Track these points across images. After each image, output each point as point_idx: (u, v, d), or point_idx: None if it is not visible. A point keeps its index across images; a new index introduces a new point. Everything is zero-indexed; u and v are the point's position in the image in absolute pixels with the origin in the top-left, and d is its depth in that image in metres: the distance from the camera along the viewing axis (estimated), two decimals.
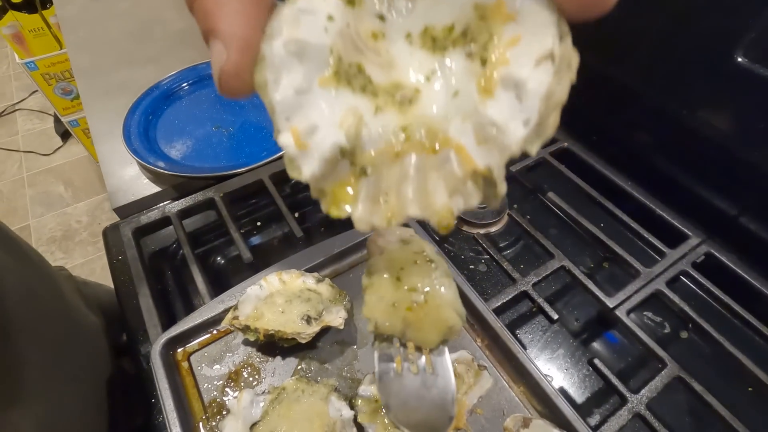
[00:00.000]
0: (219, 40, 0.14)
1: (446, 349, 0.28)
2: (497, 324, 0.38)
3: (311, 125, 0.15)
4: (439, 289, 0.27)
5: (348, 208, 0.16)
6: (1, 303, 0.29)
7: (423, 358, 0.28)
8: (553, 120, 0.16)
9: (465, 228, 0.51)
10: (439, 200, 0.16)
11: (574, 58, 0.15)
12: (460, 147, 0.16)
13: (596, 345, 0.44)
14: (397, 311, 0.27)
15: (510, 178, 0.56)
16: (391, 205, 0.16)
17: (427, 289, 0.27)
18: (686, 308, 0.43)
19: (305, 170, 0.15)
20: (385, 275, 0.27)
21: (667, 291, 0.44)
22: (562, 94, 0.15)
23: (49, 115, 2.03)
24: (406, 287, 0.27)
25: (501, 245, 0.51)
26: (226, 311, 0.37)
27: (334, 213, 0.16)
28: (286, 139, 0.15)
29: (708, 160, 0.48)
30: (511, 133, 0.15)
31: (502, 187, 0.16)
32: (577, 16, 0.15)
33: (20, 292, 0.32)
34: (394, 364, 0.27)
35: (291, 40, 0.14)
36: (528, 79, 0.15)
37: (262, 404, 0.33)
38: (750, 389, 0.41)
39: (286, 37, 0.14)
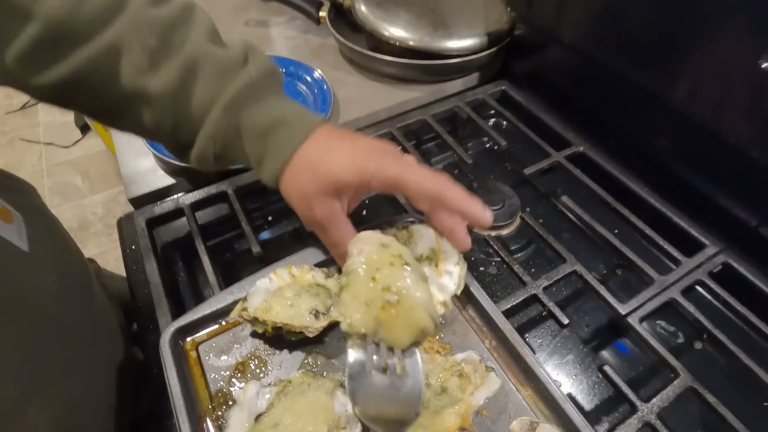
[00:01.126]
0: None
1: (417, 351, 0.28)
2: (506, 326, 0.37)
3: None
4: (413, 291, 0.28)
5: None
6: (38, 303, 0.30)
7: (394, 358, 0.28)
8: (461, 285, 0.36)
9: (476, 229, 0.51)
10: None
11: (463, 262, 0.37)
12: (434, 294, 0.34)
13: (607, 352, 0.43)
14: (370, 310, 0.28)
15: (523, 181, 0.55)
16: None
17: (401, 290, 0.28)
18: (701, 318, 0.42)
19: None
20: (361, 274, 0.28)
21: (681, 300, 0.43)
22: (463, 274, 0.36)
23: None
24: (380, 287, 0.28)
25: (512, 248, 0.51)
26: (235, 303, 0.38)
27: None
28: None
29: (728, 168, 0.47)
30: (450, 289, 0.35)
31: (450, 305, 0.35)
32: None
33: (57, 290, 0.33)
34: (365, 362, 0.28)
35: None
36: (451, 270, 0.36)
37: (267, 396, 0.33)
38: (766, 404, 0.40)
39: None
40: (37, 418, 0.26)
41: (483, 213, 0.33)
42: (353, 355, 0.29)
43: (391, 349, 0.28)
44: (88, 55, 0.29)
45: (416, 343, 0.28)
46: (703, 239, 0.47)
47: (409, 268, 0.29)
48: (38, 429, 0.26)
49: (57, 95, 0.32)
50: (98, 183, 1.87)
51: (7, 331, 0.26)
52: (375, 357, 0.28)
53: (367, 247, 0.30)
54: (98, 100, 0.32)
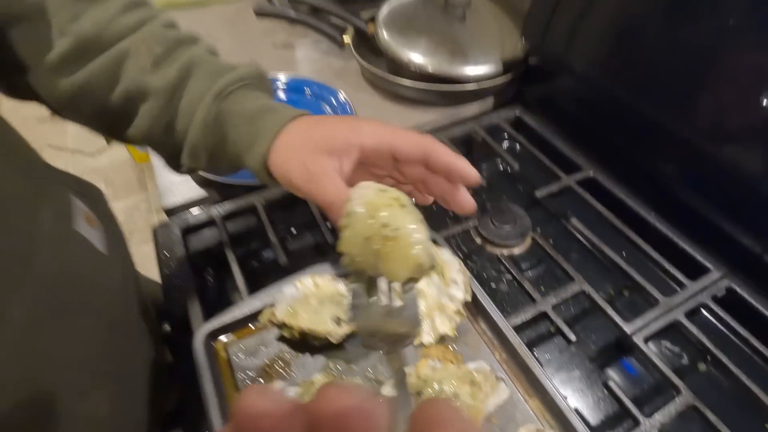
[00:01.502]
0: None
1: (415, 287, 0.30)
2: (516, 340, 0.39)
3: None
4: (411, 228, 0.29)
5: None
6: (109, 301, 0.34)
7: (393, 293, 0.29)
8: (469, 292, 0.41)
9: (488, 248, 0.54)
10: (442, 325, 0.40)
11: (465, 269, 0.42)
12: (447, 305, 0.40)
13: (613, 370, 0.45)
14: (370, 244, 0.29)
15: (535, 202, 0.58)
16: None
17: (398, 226, 0.29)
18: (705, 341, 0.43)
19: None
20: (360, 214, 0.29)
21: (686, 322, 0.45)
22: (467, 281, 0.41)
23: None
24: (379, 224, 0.29)
25: (523, 266, 0.53)
26: (263, 308, 0.41)
27: None
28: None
29: (734, 196, 0.49)
30: (459, 297, 0.40)
31: (464, 313, 0.41)
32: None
33: (120, 291, 0.37)
34: (365, 295, 0.30)
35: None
36: (456, 278, 0.41)
37: (292, 395, 0.35)
38: (767, 426, 0.41)
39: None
40: (99, 401, 0.29)
41: (471, 168, 0.34)
42: (353, 290, 0.30)
43: (389, 286, 0.29)
44: (103, 62, 0.34)
45: (413, 279, 0.29)
46: (707, 264, 0.49)
47: (407, 209, 0.30)
48: (99, 410, 0.29)
49: (72, 102, 0.36)
50: (121, 190, 1.94)
51: (87, 322, 0.30)
52: (374, 290, 0.30)
53: (366, 191, 0.31)
54: (103, 101, 0.36)
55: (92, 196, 0.38)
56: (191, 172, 0.42)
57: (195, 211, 0.54)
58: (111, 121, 0.38)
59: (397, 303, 0.29)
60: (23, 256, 0.24)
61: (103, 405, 0.29)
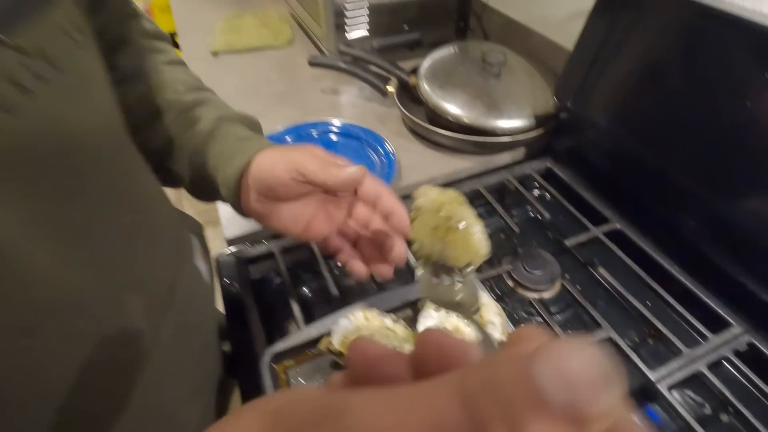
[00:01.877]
0: None
1: (473, 270, 0.36)
2: None
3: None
4: (470, 221, 0.35)
5: None
6: (208, 324, 0.40)
7: (454, 276, 0.35)
8: (505, 333, 0.45)
9: (520, 291, 0.58)
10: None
11: (501, 311, 0.48)
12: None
13: (637, 415, 0.48)
14: (436, 232, 0.35)
15: (563, 250, 0.62)
16: None
17: (460, 219, 0.35)
18: (727, 393, 0.46)
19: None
20: (428, 208, 0.36)
21: (708, 374, 0.48)
22: (504, 323, 0.47)
23: None
24: (444, 216, 0.35)
25: (552, 310, 0.57)
26: (319, 336, 0.46)
27: None
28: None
29: (756, 254, 0.53)
30: (496, 338, 0.44)
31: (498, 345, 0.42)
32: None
33: (213, 316, 0.42)
34: (433, 276, 0.36)
35: None
36: (494, 320, 0.46)
37: None
38: None
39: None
40: (194, 411, 0.34)
41: (406, 220, 0.39)
42: (423, 274, 0.36)
43: (451, 270, 0.35)
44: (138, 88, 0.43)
45: (470, 264, 0.35)
46: (729, 319, 0.52)
47: (464, 206, 0.36)
48: (193, 420, 0.34)
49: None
50: None
51: (198, 342, 0.36)
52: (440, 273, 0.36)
53: (430, 191, 0.38)
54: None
55: (199, 234, 0.45)
56: (173, 181, 0.47)
57: (256, 243, 0.60)
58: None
59: (459, 282, 0.35)
60: (171, 285, 0.31)
61: (196, 415, 0.35)
